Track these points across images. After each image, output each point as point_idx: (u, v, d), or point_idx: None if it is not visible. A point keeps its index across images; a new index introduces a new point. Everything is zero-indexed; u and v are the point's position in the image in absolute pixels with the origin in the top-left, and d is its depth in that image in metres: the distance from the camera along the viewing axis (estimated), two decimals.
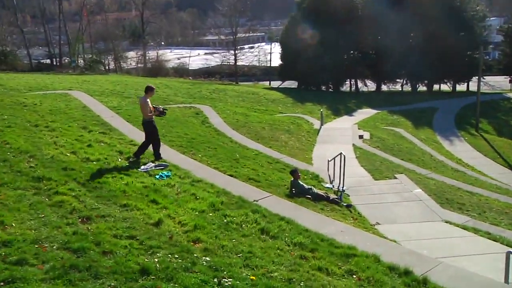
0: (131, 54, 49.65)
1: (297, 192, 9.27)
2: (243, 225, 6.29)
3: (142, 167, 8.72)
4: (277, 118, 22.92)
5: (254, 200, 7.80)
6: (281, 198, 8.49)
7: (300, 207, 8.11)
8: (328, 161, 13.72)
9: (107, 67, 45.85)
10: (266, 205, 7.59)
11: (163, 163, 9.17)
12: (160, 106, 9.84)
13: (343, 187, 11.19)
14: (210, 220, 6.26)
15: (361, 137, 20.57)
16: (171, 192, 7.42)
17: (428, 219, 9.28)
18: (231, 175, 9.49)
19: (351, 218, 8.68)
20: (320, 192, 9.66)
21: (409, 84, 46.61)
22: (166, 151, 10.56)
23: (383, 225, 8.82)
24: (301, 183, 9.63)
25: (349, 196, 10.92)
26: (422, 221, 9.14)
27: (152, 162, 9.26)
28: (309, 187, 9.64)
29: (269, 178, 10.17)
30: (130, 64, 48.24)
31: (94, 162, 8.34)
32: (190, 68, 52.56)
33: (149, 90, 9.39)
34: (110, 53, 46.78)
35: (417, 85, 45.72)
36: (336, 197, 9.81)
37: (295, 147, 17.46)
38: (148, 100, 9.38)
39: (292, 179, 9.60)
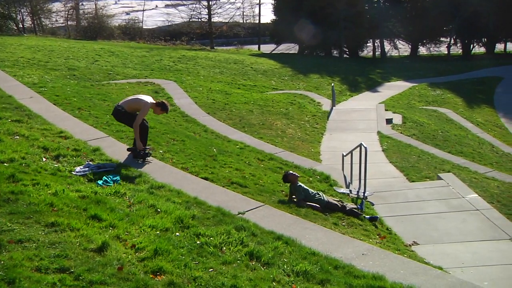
0: (57, 6, 48.59)
1: (299, 200, 9.37)
2: (224, 248, 6.33)
3: (78, 168, 8.69)
4: (270, 97, 23.03)
5: (239, 213, 7.85)
6: (277, 208, 8.56)
7: (304, 221, 8.19)
8: (343, 156, 13.90)
9: (20, 26, 44.03)
10: (256, 219, 7.66)
11: (108, 164, 9.16)
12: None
13: (364, 193, 11.34)
14: (177, 242, 6.28)
15: (389, 121, 20.87)
16: (120, 203, 7.41)
17: (489, 237, 9.47)
18: (205, 178, 9.55)
19: (377, 236, 8.81)
20: (333, 199, 9.78)
21: (459, 45, 46.57)
22: (113, 146, 10.54)
23: (423, 246, 8.98)
24: (305, 187, 9.75)
25: (373, 205, 11.08)
26: (480, 240, 9.34)
27: (92, 161, 9.24)
28: (316, 192, 9.74)
29: (260, 182, 10.24)
30: (56, 21, 47.27)
31: (5, 164, 8.24)
32: (144, 27, 52.26)
33: (162, 108, 10.02)
34: (25, 4, 43.87)
35: (472, 45, 45.58)
36: (354, 206, 9.94)
37: (296, 138, 17.61)
38: (146, 112, 9.96)
39: (290, 184, 9.71)
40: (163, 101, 10.28)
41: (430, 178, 13.59)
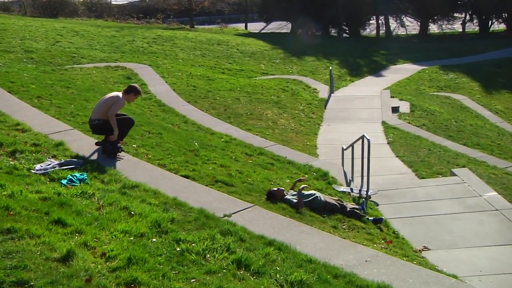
0: None
1: (298, 201, 9.43)
2: (208, 256, 6.35)
3: (38, 166, 8.65)
4: (259, 83, 23.06)
5: (225, 215, 7.88)
6: (268, 210, 8.60)
7: (299, 224, 8.24)
8: (343, 150, 13.98)
9: None
10: (244, 222, 7.69)
11: (73, 160, 9.13)
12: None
13: (367, 192, 11.41)
14: (154, 250, 6.29)
15: (396, 110, 21.02)
16: (88, 206, 7.40)
17: (510, 240, 9.59)
18: (186, 176, 9.56)
19: (382, 241, 8.89)
20: (331, 199, 9.84)
21: (475, 21, 46.40)
22: (79, 140, 10.51)
23: (435, 251, 9.08)
24: (294, 192, 9.74)
25: (377, 205, 11.16)
26: (500, 244, 9.44)
27: (54, 157, 9.21)
28: (312, 192, 9.79)
29: (248, 180, 10.28)
30: None
31: None
32: (113, 3, 51.99)
33: (133, 91, 10.12)
34: None
35: (490, 22, 45.35)
36: (356, 207, 10.03)
37: (289, 129, 17.67)
38: (124, 103, 10.08)
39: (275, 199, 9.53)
40: (130, 84, 10.27)
41: (442, 174, 13.70)
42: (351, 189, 11.70)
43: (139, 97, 10.25)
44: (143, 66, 22.05)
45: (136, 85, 10.35)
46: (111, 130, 9.89)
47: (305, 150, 15.57)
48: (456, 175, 12.88)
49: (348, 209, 9.67)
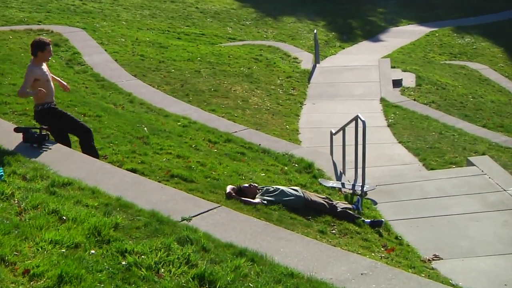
0: None
1: (269, 202, 9.45)
2: (162, 271, 6.33)
3: None
4: (225, 50, 23.00)
5: (184, 219, 7.86)
6: (239, 211, 8.62)
7: (278, 228, 8.25)
8: (332, 134, 14.03)
9: None
10: (208, 227, 7.67)
11: None
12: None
13: (363, 187, 11.49)
14: (93, 264, 6.24)
15: (398, 83, 21.19)
16: (5, 210, 7.30)
17: None
18: (133, 170, 9.53)
19: (382, 248, 8.98)
20: (317, 197, 9.89)
21: None
22: None
23: (449, 261, 9.19)
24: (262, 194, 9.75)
25: (376, 204, 11.25)
26: None
27: None
28: (294, 189, 9.82)
29: (213, 174, 10.30)
30: None
31: None
32: None
33: (36, 49, 9.74)
34: None
35: None
36: (349, 206, 10.12)
37: (263, 109, 17.70)
38: (41, 68, 9.75)
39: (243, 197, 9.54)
40: (33, 40, 9.91)
41: (457, 164, 13.87)
42: (343, 184, 11.77)
43: (47, 50, 9.77)
44: (76, 30, 21.79)
45: (38, 38, 9.93)
46: (51, 119, 9.80)
47: (284, 135, 15.61)
48: (474, 165, 13.01)
49: (339, 209, 9.72)
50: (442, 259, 9.22)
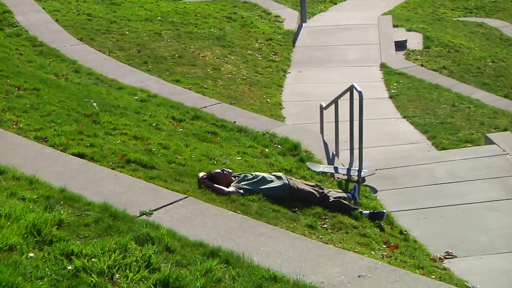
0: None
1: (246, 191, 9.44)
2: (117, 276, 6.30)
3: None
4: (191, 8, 22.88)
5: (143, 213, 7.88)
6: (210, 203, 8.64)
7: (258, 223, 8.28)
8: (322, 109, 14.00)
9: None
10: (173, 223, 7.70)
11: None
12: None
13: (360, 172, 11.51)
14: (32, 270, 6.19)
15: (401, 46, 21.22)
16: None
17: None
18: (81, 155, 9.51)
19: (384, 245, 9.00)
20: (305, 185, 9.91)
21: None
22: None
23: (464, 259, 9.22)
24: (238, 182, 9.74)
25: (376, 192, 11.28)
26: None
27: None
28: (277, 176, 9.82)
29: (178, 158, 10.30)
30: None
31: None
32: None
33: None
34: None
35: None
36: (343, 195, 10.14)
37: (239, 79, 17.65)
38: None
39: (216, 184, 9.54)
40: None
41: (473, 142, 13.95)
42: (335, 168, 11.79)
43: None
44: None
45: None
46: None
47: (265, 110, 15.59)
48: (494, 143, 13.06)
49: (331, 199, 9.72)
50: (456, 257, 9.25)
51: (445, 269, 8.84)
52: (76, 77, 14.74)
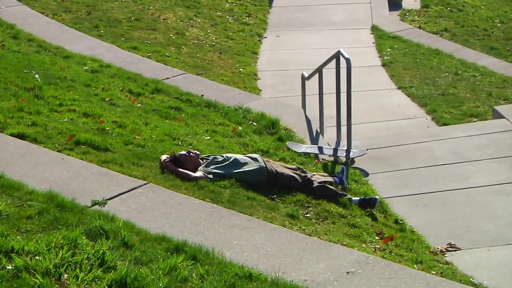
0: None
1: (216, 175, 9.45)
2: (65, 276, 6.26)
3: None
4: None
5: (95, 202, 7.89)
6: (174, 190, 8.68)
7: (229, 212, 8.31)
8: (304, 79, 14.00)
9: None
10: (131, 214, 7.72)
11: None
12: None
13: (349, 152, 11.54)
14: None
15: (395, 4, 21.25)
16: None
17: None
18: (21, 136, 9.48)
19: (376, 237, 9.05)
20: (285, 168, 9.94)
21: None
22: None
23: (468, 252, 9.31)
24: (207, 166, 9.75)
25: (367, 175, 11.34)
26: None
27: None
28: (252, 158, 9.84)
29: (136, 139, 10.30)
30: None
31: None
32: None
33: None
34: None
35: None
36: (329, 179, 10.21)
37: (206, 46, 17.61)
38: None
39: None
40: None
41: (479, 117, 14.02)
42: (320, 148, 11.83)
43: None
44: None
45: None
46: None
47: (237, 82, 15.58)
48: (503, 117, 13.15)
49: (315, 184, 9.76)
50: (460, 249, 9.33)
51: (447, 263, 8.92)
52: (14, 44, 14.64)
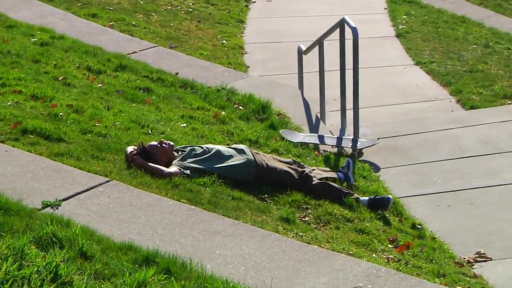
0: None
1: (194, 171, 9.46)
2: None
3: None
4: None
5: (46, 204, 7.89)
6: (143, 188, 8.69)
7: (211, 215, 8.33)
8: (301, 53, 14.00)
9: None
10: (91, 218, 7.73)
11: None
12: None
13: (356, 142, 11.56)
14: None
15: None
16: None
17: None
18: None
19: (389, 244, 9.07)
20: (278, 162, 9.97)
21: None
22: None
23: (502, 262, 9.31)
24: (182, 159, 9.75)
25: (378, 170, 11.37)
26: None
27: None
28: (238, 149, 9.84)
29: (96, 127, 10.29)
30: None
31: None
32: None
33: None
34: None
35: None
36: (333, 175, 10.23)
37: (181, 12, 17.59)
38: None
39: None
40: None
41: None
42: (321, 137, 11.82)
43: None
44: None
45: None
46: None
47: (220, 57, 15.59)
48: None
49: (315, 180, 9.78)
50: (491, 259, 9.33)
51: (475, 276, 8.91)
52: None
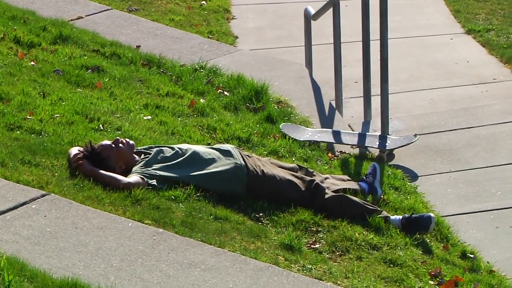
0: None
1: (162, 180, 9.47)
2: None
3: None
4: None
5: None
6: (91, 204, 8.72)
7: (186, 242, 8.35)
8: (309, 18, 14.03)
9: None
10: (20, 245, 7.76)
11: None
12: None
13: (385, 140, 11.59)
14: None
15: None
16: None
17: None
18: None
19: (430, 280, 9.04)
20: (277, 168, 10.00)
21: None
22: None
23: None
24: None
25: (415, 179, 11.35)
26: None
27: None
28: (223, 150, 9.87)
29: (27, 121, 10.32)
30: None
31: None
32: None
33: None
34: None
35: None
36: (353, 185, 10.29)
37: None
38: None
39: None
40: None
41: None
42: (336, 133, 11.85)
43: None
44: None
45: None
46: None
47: (197, 23, 15.67)
48: None
49: (328, 193, 9.84)
50: None
51: None
52: None
